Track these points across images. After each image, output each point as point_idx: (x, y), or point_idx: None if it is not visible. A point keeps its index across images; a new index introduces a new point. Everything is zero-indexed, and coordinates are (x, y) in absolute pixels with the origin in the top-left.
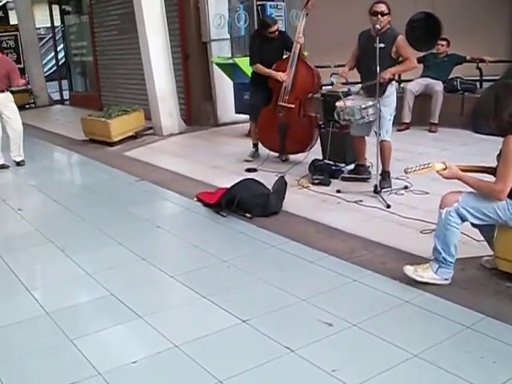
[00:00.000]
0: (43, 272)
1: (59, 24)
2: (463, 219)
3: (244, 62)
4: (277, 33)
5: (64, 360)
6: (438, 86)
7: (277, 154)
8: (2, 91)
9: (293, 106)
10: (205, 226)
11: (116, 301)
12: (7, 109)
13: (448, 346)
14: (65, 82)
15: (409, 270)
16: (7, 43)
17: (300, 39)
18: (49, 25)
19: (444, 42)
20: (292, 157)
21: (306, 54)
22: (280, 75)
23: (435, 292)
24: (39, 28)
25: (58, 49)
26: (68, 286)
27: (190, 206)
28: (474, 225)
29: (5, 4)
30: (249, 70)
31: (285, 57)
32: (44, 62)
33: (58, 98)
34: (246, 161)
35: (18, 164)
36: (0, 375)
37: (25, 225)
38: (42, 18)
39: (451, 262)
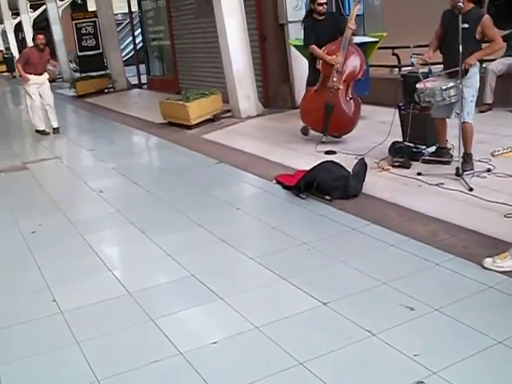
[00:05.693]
0: (124, 253)
1: (136, 9)
2: None
3: None
4: (325, 6)
5: (146, 339)
6: None
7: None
8: (41, 74)
9: (341, 87)
10: (284, 208)
11: (197, 282)
12: (44, 86)
13: None
14: (142, 67)
15: (487, 262)
16: (86, 29)
17: (352, 25)
18: (126, 10)
19: None
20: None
21: (384, 34)
22: (334, 59)
23: None
24: (117, 14)
25: (136, 34)
26: (149, 266)
27: (269, 188)
28: None
29: None
30: None
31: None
32: (122, 47)
33: (136, 82)
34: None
35: (56, 130)
36: (85, 352)
37: (106, 206)
38: (120, 3)
39: None
